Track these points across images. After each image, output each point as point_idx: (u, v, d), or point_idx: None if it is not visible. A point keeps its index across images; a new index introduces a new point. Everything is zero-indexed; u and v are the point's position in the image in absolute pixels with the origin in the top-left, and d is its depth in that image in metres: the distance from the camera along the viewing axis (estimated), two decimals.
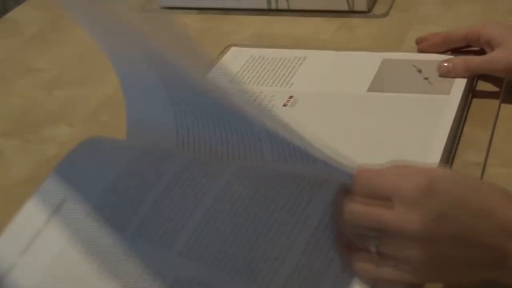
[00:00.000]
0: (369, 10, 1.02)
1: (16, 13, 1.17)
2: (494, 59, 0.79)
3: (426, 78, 0.82)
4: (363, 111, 0.79)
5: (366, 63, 0.87)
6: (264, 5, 1.06)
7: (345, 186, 0.55)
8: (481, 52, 0.83)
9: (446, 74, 0.82)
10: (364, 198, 0.54)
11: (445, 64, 0.82)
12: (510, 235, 0.52)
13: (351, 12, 1.02)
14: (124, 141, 0.69)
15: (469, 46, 0.85)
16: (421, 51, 0.87)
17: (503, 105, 0.80)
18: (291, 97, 0.82)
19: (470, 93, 0.81)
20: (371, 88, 0.82)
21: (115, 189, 0.63)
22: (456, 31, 0.85)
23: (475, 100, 0.80)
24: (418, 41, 0.88)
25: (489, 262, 0.52)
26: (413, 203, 0.52)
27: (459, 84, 0.80)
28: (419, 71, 0.83)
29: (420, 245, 0.52)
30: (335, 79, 0.86)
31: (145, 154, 0.68)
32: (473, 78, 0.82)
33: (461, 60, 0.82)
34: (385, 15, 1.01)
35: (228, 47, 0.96)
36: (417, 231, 0.51)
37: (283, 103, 0.81)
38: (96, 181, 0.64)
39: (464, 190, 0.53)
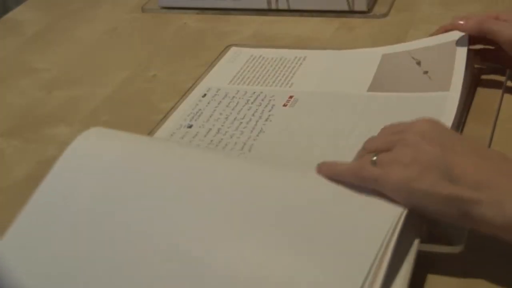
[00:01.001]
0: (369, 10, 1.02)
1: (16, 13, 1.17)
2: (507, 24, 0.79)
3: (426, 72, 0.82)
4: (363, 112, 0.78)
5: (366, 61, 0.87)
6: (264, 5, 1.06)
7: None
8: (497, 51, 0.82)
9: (458, 27, 0.81)
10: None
11: (460, 22, 0.81)
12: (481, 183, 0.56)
13: (351, 12, 1.02)
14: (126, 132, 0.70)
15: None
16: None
17: (503, 106, 0.80)
18: (291, 97, 0.82)
19: (471, 94, 0.81)
20: (371, 88, 0.82)
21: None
22: (472, 15, 0.83)
23: (475, 100, 0.80)
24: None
25: (469, 183, 0.56)
26: (419, 124, 0.61)
27: (458, 78, 0.78)
28: (418, 63, 0.83)
29: (413, 147, 0.59)
30: (336, 79, 0.85)
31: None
32: (474, 78, 0.82)
33: (475, 17, 0.81)
34: (385, 15, 1.01)
35: (228, 47, 0.96)
36: (414, 134, 0.60)
37: (283, 103, 0.81)
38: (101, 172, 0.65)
39: (470, 139, 0.62)
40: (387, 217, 0.58)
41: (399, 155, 0.59)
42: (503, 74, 0.84)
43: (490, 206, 0.55)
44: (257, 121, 0.79)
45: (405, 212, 0.58)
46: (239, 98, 0.83)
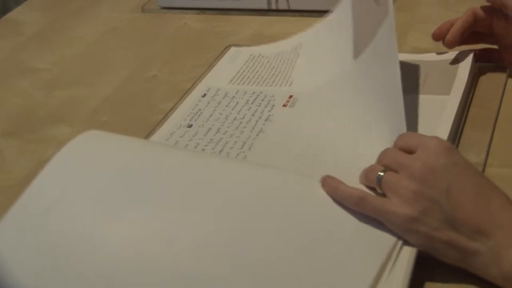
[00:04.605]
0: None
1: (16, 13, 1.17)
2: None
3: (427, 75, 0.82)
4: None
5: None
6: (264, 5, 1.06)
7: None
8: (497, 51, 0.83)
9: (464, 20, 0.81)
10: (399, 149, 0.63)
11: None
12: (480, 233, 0.56)
13: None
14: (124, 136, 0.70)
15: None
16: (452, 43, 0.82)
17: (503, 106, 0.80)
18: (291, 96, 0.82)
19: (471, 94, 0.81)
20: None
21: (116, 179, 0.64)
22: (483, 6, 0.82)
23: (475, 100, 0.80)
24: (437, 35, 0.84)
25: (469, 233, 0.57)
26: (430, 150, 0.60)
27: (459, 84, 0.79)
28: (420, 71, 0.83)
29: (417, 182, 0.58)
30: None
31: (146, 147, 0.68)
32: (474, 78, 0.82)
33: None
34: None
35: (228, 47, 0.95)
36: (419, 168, 0.59)
37: (283, 103, 0.81)
38: (95, 173, 0.65)
39: (476, 172, 0.60)
40: (382, 247, 0.58)
41: (404, 185, 0.59)
42: (503, 73, 0.84)
43: (487, 258, 0.56)
44: (257, 121, 0.79)
45: (400, 242, 0.58)
46: (239, 98, 0.83)
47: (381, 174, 0.61)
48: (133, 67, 0.97)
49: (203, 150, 0.75)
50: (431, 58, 0.85)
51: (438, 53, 0.85)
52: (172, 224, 0.60)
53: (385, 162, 0.63)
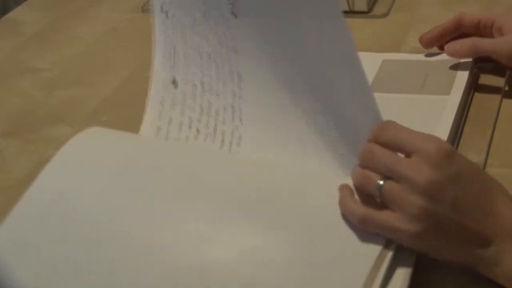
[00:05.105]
0: (369, 10, 1.02)
1: (16, 13, 1.17)
2: (502, 41, 0.79)
3: (427, 75, 0.82)
4: None
5: (366, 64, 0.86)
6: None
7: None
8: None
9: (453, 53, 0.82)
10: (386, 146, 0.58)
11: (454, 44, 0.82)
12: (485, 239, 0.56)
13: (351, 12, 1.02)
14: (125, 132, 0.70)
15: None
16: (428, 43, 0.84)
17: (503, 106, 0.80)
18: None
19: (471, 95, 0.81)
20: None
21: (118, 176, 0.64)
22: (469, 15, 0.84)
23: (475, 100, 0.81)
24: (423, 38, 0.85)
25: (475, 241, 0.56)
26: (431, 159, 0.56)
27: (459, 85, 0.80)
28: (420, 71, 0.83)
29: (423, 197, 0.55)
30: None
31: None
32: (474, 77, 0.83)
33: (469, 40, 0.81)
34: (385, 15, 1.01)
35: None
36: (425, 183, 0.55)
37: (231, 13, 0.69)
38: (98, 169, 0.65)
39: (478, 172, 0.59)
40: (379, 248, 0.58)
41: (409, 200, 0.56)
42: (502, 73, 0.84)
43: (492, 263, 0.56)
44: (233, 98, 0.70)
45: (390, 254, 0.58)
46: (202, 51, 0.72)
47: (381, 183, 0.57)
48: (133, 67, 0.97)
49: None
50: (431, 58, 0.85)
51: (438, 53, 0.85)
52: (172, 223, 0.60)
53: (374, 165, 0.58)
